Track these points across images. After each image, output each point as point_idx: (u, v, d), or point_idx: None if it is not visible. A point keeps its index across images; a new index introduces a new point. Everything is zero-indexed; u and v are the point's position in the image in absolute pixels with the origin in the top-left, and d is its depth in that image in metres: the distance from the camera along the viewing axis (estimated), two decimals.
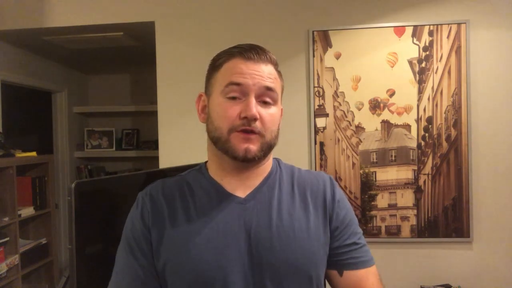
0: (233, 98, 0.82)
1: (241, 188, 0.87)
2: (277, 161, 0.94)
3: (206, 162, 0.93)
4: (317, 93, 2.30)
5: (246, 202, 0.85)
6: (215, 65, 0.87)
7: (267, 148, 0.84)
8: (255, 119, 0.80)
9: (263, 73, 0.82)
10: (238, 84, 0.81)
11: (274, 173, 0.90)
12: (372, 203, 2.27)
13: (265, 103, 0.83)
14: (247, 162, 0.83)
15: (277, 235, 0.82)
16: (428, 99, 2.23)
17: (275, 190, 0.88)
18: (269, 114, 0.83)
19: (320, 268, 0.86)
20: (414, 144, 2.24)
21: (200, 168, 0.92)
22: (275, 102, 0.84)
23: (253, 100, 0.80)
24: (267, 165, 0.90)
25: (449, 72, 2.21)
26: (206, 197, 0.86)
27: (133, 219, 0.86)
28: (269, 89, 0.83)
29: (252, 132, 0.81)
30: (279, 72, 0.88)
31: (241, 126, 0.80)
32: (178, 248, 0.81)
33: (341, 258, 0.87)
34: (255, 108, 0.80)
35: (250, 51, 0.83)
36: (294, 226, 0.84)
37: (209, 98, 0.87)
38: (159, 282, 0.83)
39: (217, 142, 0.84)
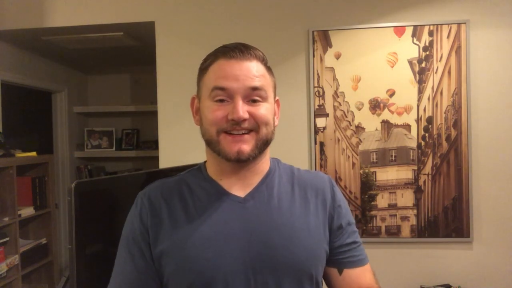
0: (221, 100, 0.82)
1: (240, 187, 0.87)
2: (276, 161, 0.95)
3: (205, 162, 0.93)
4: (317, 93, 2.30)
5: (246, 201, 0.85)
6: (202, 68, 0.87)
7: (263, 144, 0.84)
8: (243, 120, 0.80)
9: (248, 72, 0.82)
10: (222, 88, 0.81)
11: (272, 172, 0.90)
12: (372, 203, 2.27)
13: (254, 101, 0.83)
14: (242, 163, 0.83)
15: (278, 233, 0.82)
16: (428, 99, 2.23)
17: (274, 189, 0.88)
18: (260, 110, 0.83)
19: (321, 266, 0.87)
20: (414, 144, 2.24)
21: (199, 168, 0.92)
22: (264, 99, 0.84)
23: (239, 102, 0.80)
24: (265, 163, 0.90)
25: (449, 72, 2.21)
26: (205, 197, 0.86)
27: (132, 220, 0.86)
28: (255, 89, 0.82)
29: (244, 133, 0.81)
30: (268, 68, 0.88)
31: (229, 128, 0.81)
32: (177, 248, 0.81)
33: (341, 257, 0.89)
34: (243, 109, 0.80)
35: (233, 50, 0.83)
36: (295, 225, 0.84)
37: (200, 101, 0.88)
38: (157, 283, 0.83)
39: (209, 145, 0.85)
